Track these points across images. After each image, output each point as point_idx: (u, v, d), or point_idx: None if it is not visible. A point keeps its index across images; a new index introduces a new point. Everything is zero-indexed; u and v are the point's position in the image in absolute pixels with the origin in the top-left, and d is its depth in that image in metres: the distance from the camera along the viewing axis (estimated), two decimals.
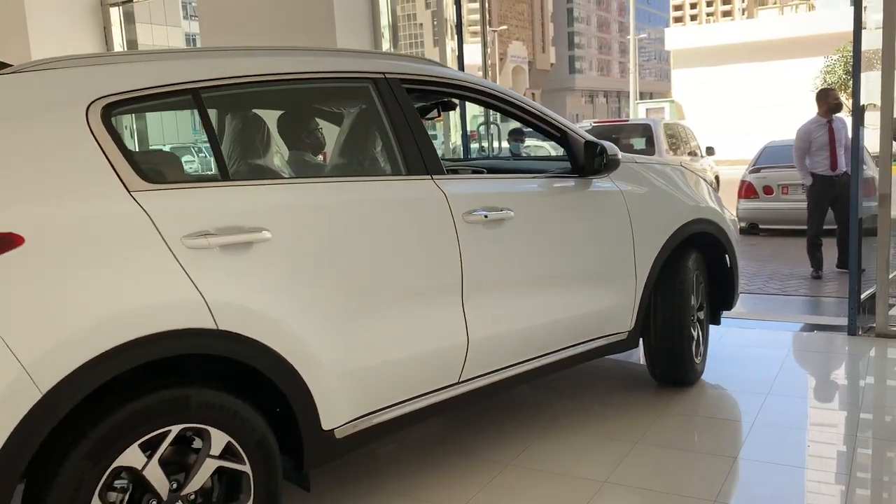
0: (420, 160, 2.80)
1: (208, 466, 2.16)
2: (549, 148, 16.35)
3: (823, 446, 3.19)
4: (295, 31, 5.67)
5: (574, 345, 3.33)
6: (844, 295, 5.42)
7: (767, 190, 10.07)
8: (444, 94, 3.40)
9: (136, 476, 2.04)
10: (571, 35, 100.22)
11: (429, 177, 2.80)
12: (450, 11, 6.24)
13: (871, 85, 4.81)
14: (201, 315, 2.12)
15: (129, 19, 7.59)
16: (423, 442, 3.33)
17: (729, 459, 3.04)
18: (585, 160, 3.30)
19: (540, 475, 2.98)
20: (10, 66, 2.30)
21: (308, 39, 5.61)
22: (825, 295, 6.55)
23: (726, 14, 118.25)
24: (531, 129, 3.63)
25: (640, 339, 3.70)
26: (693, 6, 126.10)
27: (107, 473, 1.98)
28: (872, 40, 4.76)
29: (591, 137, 3.35)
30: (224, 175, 2.44)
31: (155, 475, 2.06)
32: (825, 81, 28.81)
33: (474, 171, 3.65)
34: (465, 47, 5.98)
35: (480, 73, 7.37)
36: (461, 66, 5.69)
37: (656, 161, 4.21)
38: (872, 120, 4.94)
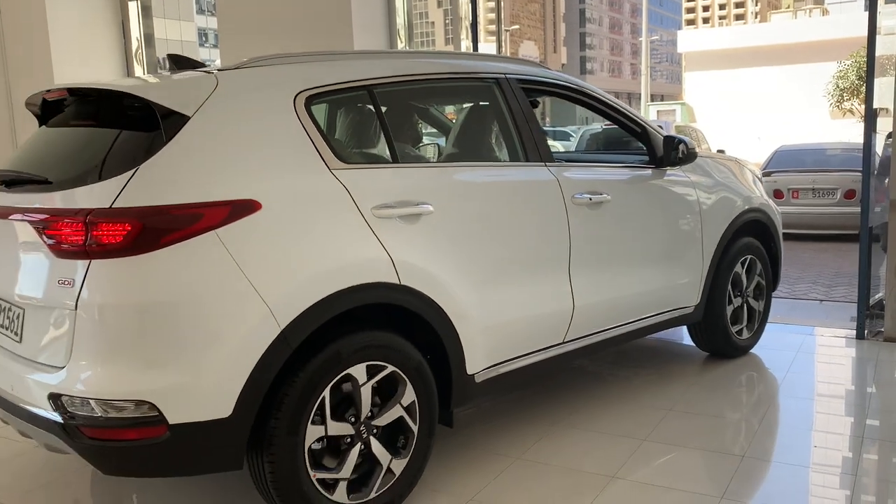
0: (536, 149, 3.25)
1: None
2: (559, 146, 16.44)
3: (829, 447, 3.22)
4: (313, 29, 5.71)
5: (652, 315, 3.78)
6: (853, 299, 5.45)
7: (778, 194, 10.07)
8: (548, 94, 3.76)
9: (335, 402, 2.47)
10: (583, 36, 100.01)
11: (543, 164, 3.25)
12: (465, 10, 6.27)
13: (883, 90, 4.82)
14: (389, 272, 2.57)
15: (146, 13, 7.64)
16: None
17: (736, 458, 3.07)
18: (664, 153, 3.76)
19: (548, 469, 3.02)
20: (204, 64, 2.78)
21: (325, 37, 5.66)
22: (834, 299, 6.56)
23: (739, 17, 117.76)
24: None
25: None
26: (706, 9, 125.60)
27: (315, 404, 2.41)
28: (885, 46, 4.78)
29: (667, 133, 3.82)
30: (394, 158, 2.86)
31: (348, 405, 2.51)
32: (837, 87, 28.69)
33: None
34: (479, 46, 6.02)
35: None
36: None
37: (718, 156, 4.46)
38: (884, 125, 4.96)
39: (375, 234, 2.56)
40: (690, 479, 2.91)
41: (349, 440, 2.52)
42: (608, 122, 4.04)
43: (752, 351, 4.49)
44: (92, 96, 2.64)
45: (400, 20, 5.96)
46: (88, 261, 2.20)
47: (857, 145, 11.43)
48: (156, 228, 2.20)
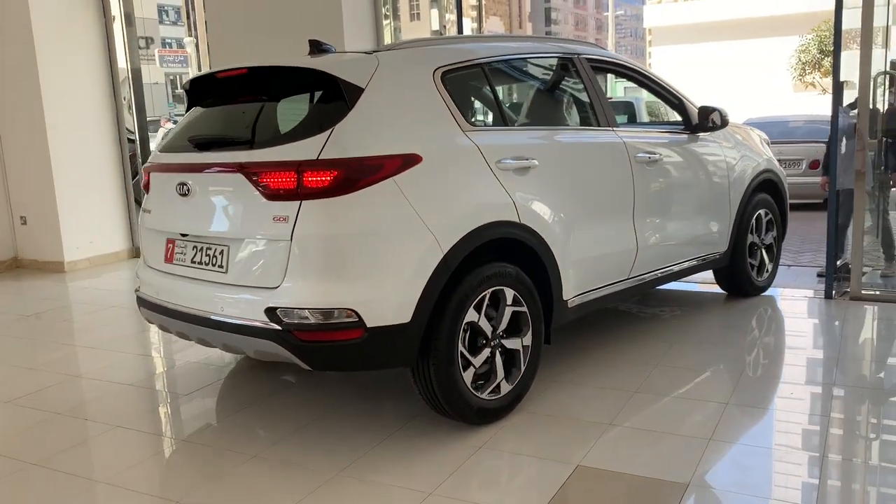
0: (605, 116, 3.92)
1: (507, 311, 3.22)
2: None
3: (803, 394, 3.51)
4: (301, 3, 5.81)
5: (693, 258, 4.46)
6: (819, 265, 5.77)
7: None
8: (608, 71, 4.38)
9: (475, 321, 3.09)
10: (548, 11, 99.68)
11: (611, 128, 3.92)
12: None
13: (847, 63, 5.05)
14: (512, 213, 3.20)
15: None
16: None
17: (720, 405, 3.34)
18: (700, 120, 4.46)
19: (550, 419, 3.26)
20: (332, 48, 3.40)
21: (312, 12, 5.77)
22: (801, 265, 6.89)
23: None
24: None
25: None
26: None
27: (465, 317, 3.01)
28: (849, 19, 4.98)
29: (701, 104, 4.54)
30: (504, 122, 3.56)
31: (483, 322, 3.12)
32: (800, 60, 29.21)
33: None
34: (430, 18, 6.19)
35: None
36: None
37: (735, 124, 4.96)
38: (849, 98, 5.23)
39: (501, 182, 3.18)
40: (681, 423, 3.17)
41: (483, 344, 3.14)
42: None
43: (727, 311, 4.79)
44: (274, 74, 3.21)
45: None
46: (299, 201, 2.77)
47: (820, 117, 11.78)
48: (353, 175, 2.79)
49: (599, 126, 3.89)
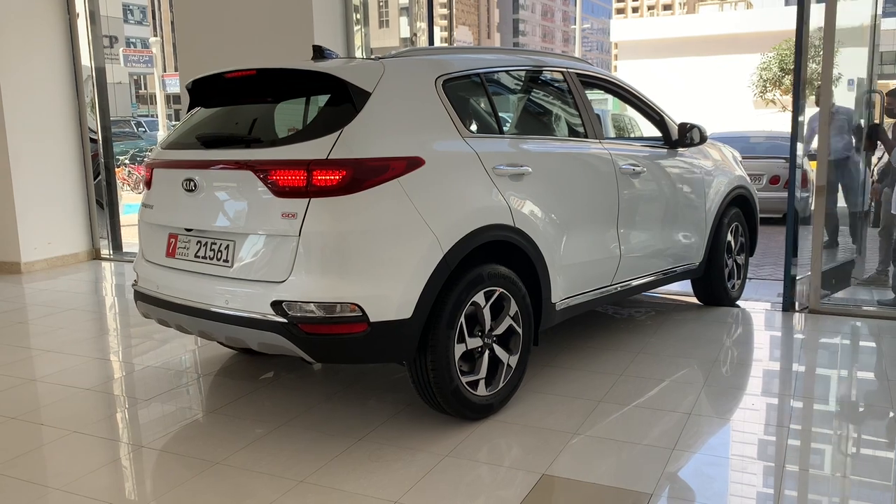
0: (593, 129, 4.08)
1: (506, 321, 3.36)
2: None
3: (763, 404, 3.57)
4: (272, 6, 5.78)
5: (671, 268, 4.63)
6: (778, 277, 5.89)
7: None
8: (595, 86, 4.46)
9: (471, 315, 3.20)
10: (516, 22, 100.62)
11: (598, 141, 4.08)
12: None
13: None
14: (507, 216, 3.32)
15: None
16: (409, 398, 3.58)
17: (684, 415, 3.38)
18: (679, 136, 4.63)
19: (516, 427, 3.27)
20: (333, 53, 3.49)
21: (283, 15, 5.73)
22: (761, 277, 7.03)
23: (667, 7, 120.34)
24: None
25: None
26: None
27: (463, 314, 3.13)
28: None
29: (681, 120, 4.71)
30: (500, 130, 3.64)
31: (482, 315, 3.25)
32: (761, 77, 29.88)
33: None
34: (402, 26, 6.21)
35: None
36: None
37: (710, 142, 5.07)
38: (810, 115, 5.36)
39: (497, 187, 3.30)
40: (645, 433, 3.20)
41: (480, 349, 3.26)
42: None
43: (692, 321, 4.86)
44: (281, 76, 3.27)
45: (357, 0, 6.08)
46: (308, 199, 2.85)
47: (780, 133, 12.05)
48: (360, 175, 2.89)
49: (588, 138, 4.03)
